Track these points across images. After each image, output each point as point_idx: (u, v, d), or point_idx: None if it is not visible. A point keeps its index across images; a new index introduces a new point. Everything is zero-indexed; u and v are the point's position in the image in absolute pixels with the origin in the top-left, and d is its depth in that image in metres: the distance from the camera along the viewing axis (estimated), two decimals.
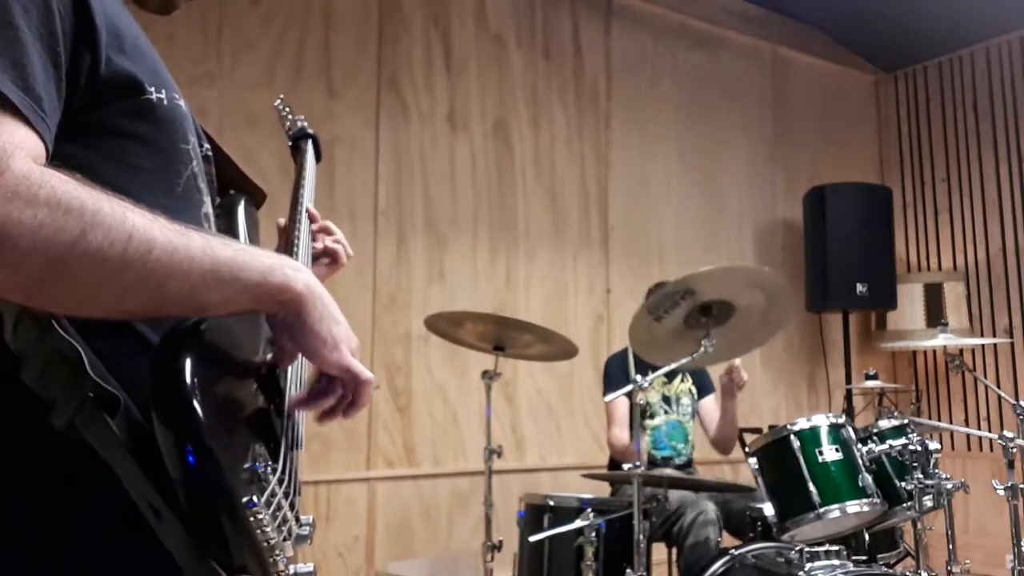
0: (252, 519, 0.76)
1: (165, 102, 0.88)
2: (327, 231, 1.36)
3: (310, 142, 1.46)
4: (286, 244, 1.24)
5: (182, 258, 0.73)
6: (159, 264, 0.72)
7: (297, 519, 0.88)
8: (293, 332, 0.86)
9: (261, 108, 3.32)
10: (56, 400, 0.73)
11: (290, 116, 1.52)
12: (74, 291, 0.69)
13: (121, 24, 0.85)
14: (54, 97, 0.74)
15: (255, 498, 0.77)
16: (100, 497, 0.76)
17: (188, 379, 0.74)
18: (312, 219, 1.33)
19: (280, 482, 0.85)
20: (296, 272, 0.85)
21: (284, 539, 0.82)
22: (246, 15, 3.39)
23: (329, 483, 3.37)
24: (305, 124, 1.50)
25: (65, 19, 0.76)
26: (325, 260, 1.33)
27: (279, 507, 0.82)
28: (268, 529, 0.78)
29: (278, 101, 1.55)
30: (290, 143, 1.48)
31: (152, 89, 0.86)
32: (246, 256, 0.81)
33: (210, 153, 1.03)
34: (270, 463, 0.84)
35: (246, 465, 0.80)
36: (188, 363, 0.75)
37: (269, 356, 0.92)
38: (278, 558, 0.79)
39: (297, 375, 0.99)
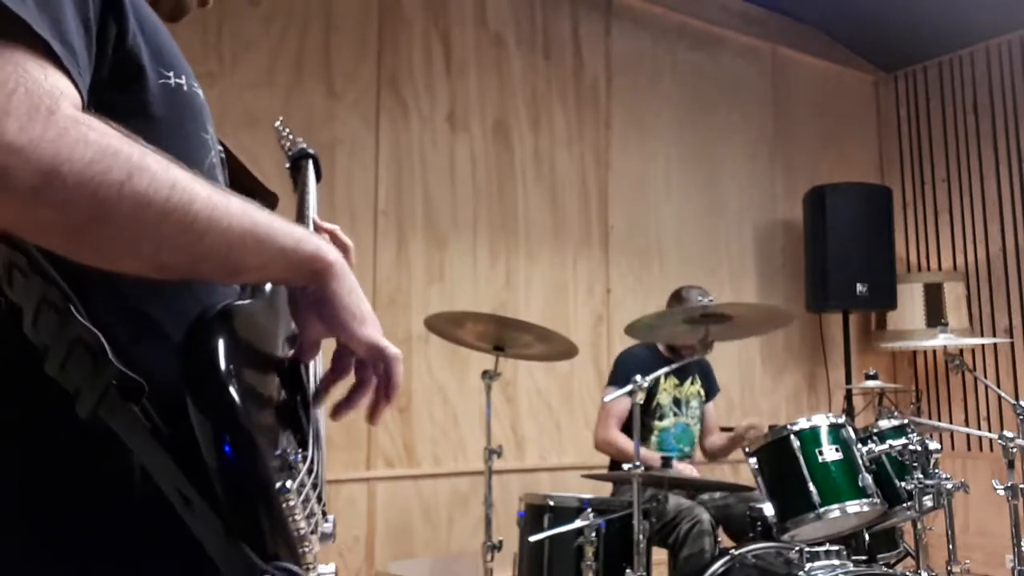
0: (285, 505, 0.75)
1: (185, 88, 0.88)
2: (335, 239, 1.36)
3: (310, 162, 1.46)
4: None
5: (222, 214, 0.73)
6: (200, 216, 0.71)
7: (324, 513, 0.88)
8: (322, 306, 0.85)
9: (261, 108, 3.32)
10: (80, 389, 0.72)
11: (290, 137, 1.52)
12: (116, 236, 0.68)
13: (145, 8, 0.86)
14: (85, 57, 0.74)
15: (288, 483, 0.76)
16: (127, 487, 0.76)
17: (223, 363, 0.73)
18: (318, 231, 1.33)
19: (309, 472, 0.84)
20: (328, 244, 0.85)
21: (312, 531, 0.81)
22: (246, 15, 3.39)
23: (329, 483, 3.36)
24: (305, 146, 1.50)
25: None
26: None
27: (307, 497, 0.82)
28: (298, 518, 0.77)
29: (278, 123, 1.55)
30: (289, 164, 1.48)
31: (171, 73, 0.86)
32: (280, 223, 0.81)
33: (223, 156, 1.03)
34: (300, 451, 0.83)
35: (277, 451, 0.79)
36: (222, 347, 0.74)
37: (291, 352, 0.91)
38: (307, 549, 0.78)
39: (315, 375, 0.99)
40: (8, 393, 0.77)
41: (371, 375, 0.91)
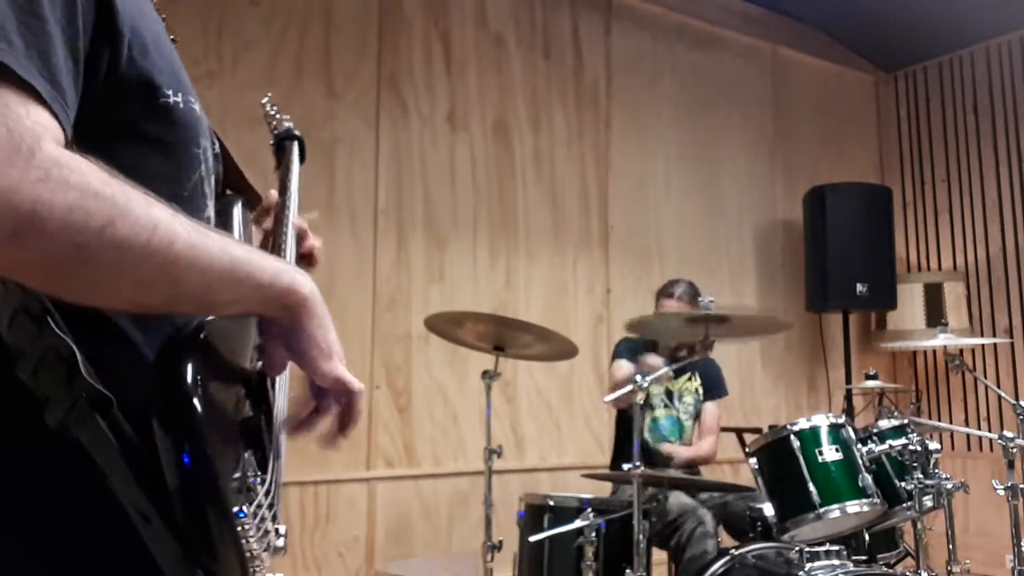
0: (240, 529, 0.76)
1: (181, 105, 0.87)
2: (303, 235, 1.36)
3: (296, 144, 1.46)
4: (272, 246, 1.24)
5: (201, 254, 0.73)
6: (180, 258, 0.71)
7: (277, 531, 0.89)
8: (290, 338, 0.86)
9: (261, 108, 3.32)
10: (49, 398, 0.73)
11: (276, 116, 1.52)
12: (95, 278, 0.69)
13: (145, 24, 0.84)
14: (73, 92, 0.74)
15: (244, 508, 0.77)
16: (90, 497, 0.76)
17: (189, 385, 0.74)
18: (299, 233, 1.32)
19: (267, 493, 0.85)
20: (303, 276, 0.85)
21: (264, 550, 0.83)
22: (246, 15, 3.39)
23: (329, 483, 3.37)
24: (291, 125, 1.50)
25: (87, 14, 0.76)
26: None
27: (263, 518, 0.83)
28: (252, 540, 0.78)
29: (265, 99, 1.55)
30: (273, 143, 1.48)
31: (170, 92, 0.85)
32: (258, 257, 0.81)
33: (218, 151, 1.03)
34: (259, 474, 0.84)
35: (237, 475, 0.80)
36: (190, 369, 0.75)
37: (259, 364, 0.91)
38: (257, 569, 0.79)
39: (282, 383, 0.99)
40: (6, 395, 0.76)
41: (331, 404, 0.92)
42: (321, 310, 0.87)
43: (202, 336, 0.79)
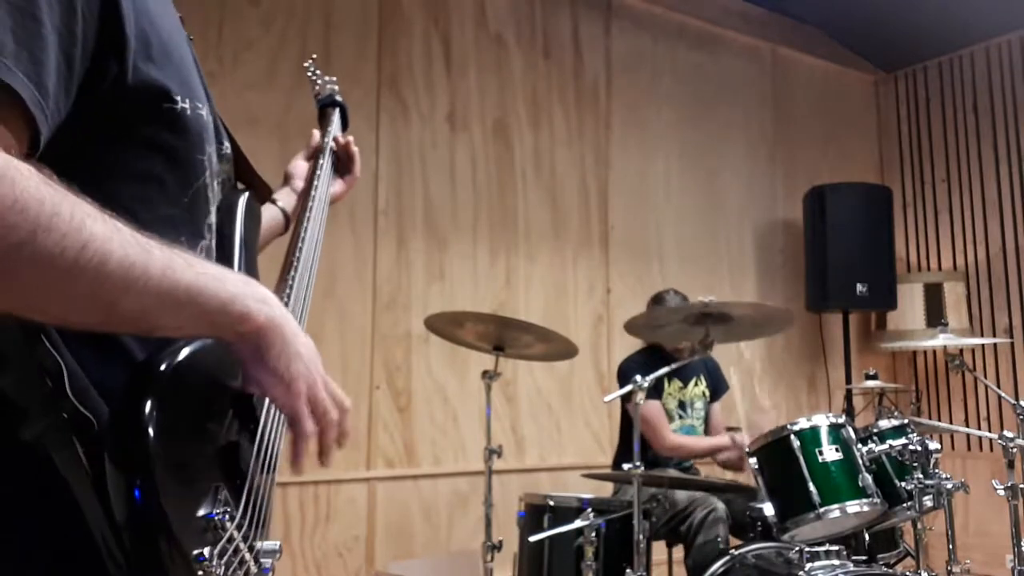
0: (200, 572, 0.74)
1: (188, 112, 0.86)
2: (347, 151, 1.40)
3: (338, 110, 1.46)
4: (299, 213, 1.29)
5: (138, 275, 0.69)
6: (112, 279, 0.68)
7: (256, 559, 0.85)
8: (248, 365, 0.83)
9: (261, 108, 3.32)
10: (29, 412, 0.70)
11: (320, 79, 1.51)
12: (16, 294, 0.65)
13: (157, 26, 0.83)
14: (61, 98, 0.73)
15: (206, 551, 0.74)
16: (59, 521, 0.73)
17: (145, 421, 0.71)
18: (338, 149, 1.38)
19: (240, 527, 0.82)
20: (260, 304, 0.81)
21: None
22: (246, 15, 3.39)
23: (329, 483, 3.37)
24: (335, 88, 1.48)
25: (89, 23, 0.74)
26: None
27: (236, 552, 0.80)
28: None
29: (308, 62, 1.54)
30: (318, 108, 1.48)
31: (177, 98, 0.84)
32: (208, 281, 0.76)
33: (229, 151, 1.03)
34: (230, 509, 0.81)
35: (201, 512, 0.77)
36: (149, 403, 0.72)
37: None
38: None
39: None
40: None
41: (306, 426, 0.89)
42: (283, 338, 0.83)
43: (179, 359, 0.76)
